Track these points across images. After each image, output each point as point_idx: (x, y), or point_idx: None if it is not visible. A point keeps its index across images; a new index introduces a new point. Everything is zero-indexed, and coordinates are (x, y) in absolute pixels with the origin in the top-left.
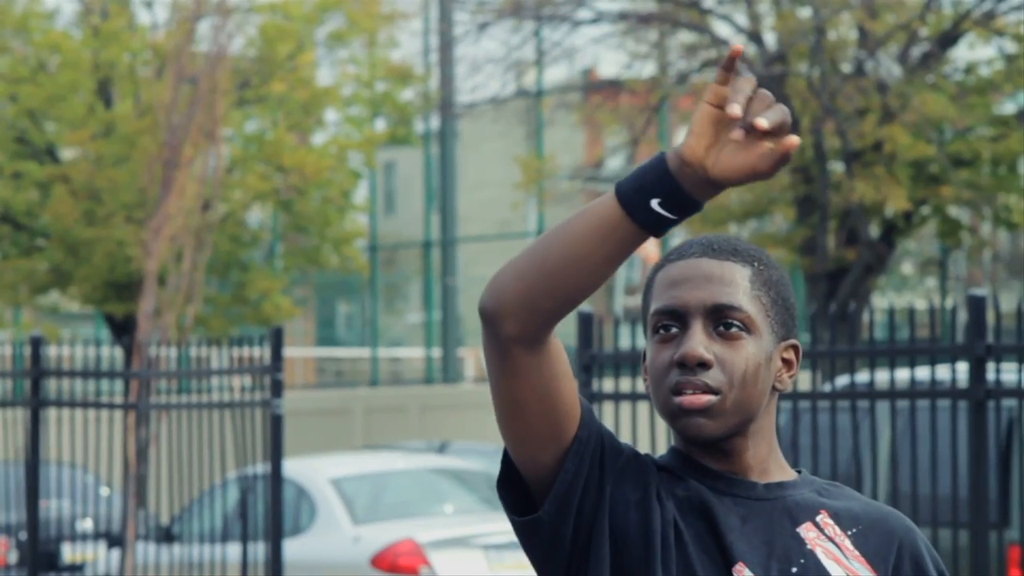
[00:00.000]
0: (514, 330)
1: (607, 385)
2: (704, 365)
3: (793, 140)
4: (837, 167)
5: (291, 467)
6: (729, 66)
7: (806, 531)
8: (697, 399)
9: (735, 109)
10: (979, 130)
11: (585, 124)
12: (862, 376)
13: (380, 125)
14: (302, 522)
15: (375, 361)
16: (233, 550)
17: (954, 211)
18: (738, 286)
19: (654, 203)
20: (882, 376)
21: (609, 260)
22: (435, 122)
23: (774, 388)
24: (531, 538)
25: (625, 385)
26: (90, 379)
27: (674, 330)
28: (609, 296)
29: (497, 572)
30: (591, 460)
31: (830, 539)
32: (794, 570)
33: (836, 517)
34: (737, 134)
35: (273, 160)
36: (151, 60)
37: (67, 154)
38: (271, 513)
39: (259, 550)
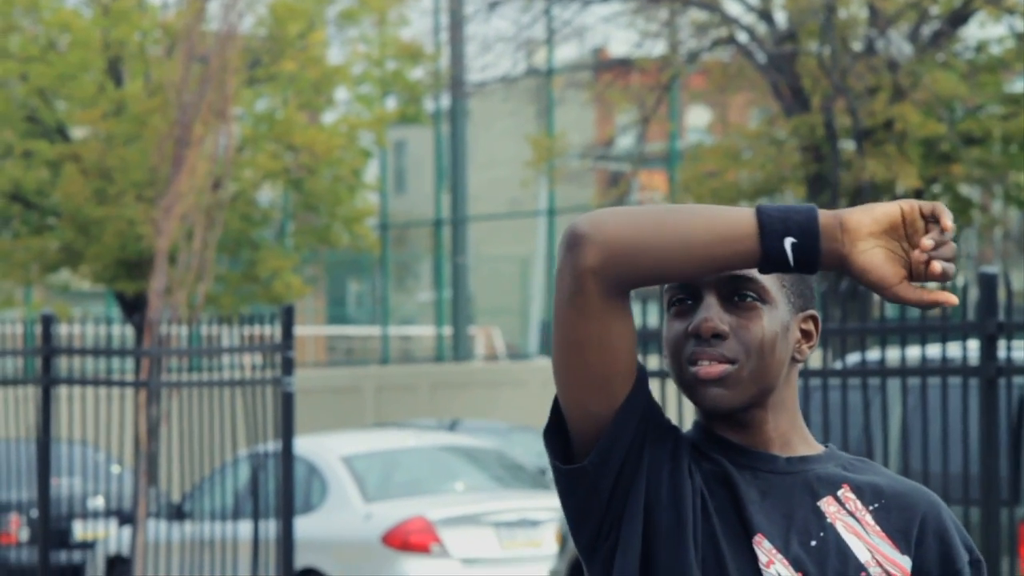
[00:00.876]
0: (595, 260)
1: None
2: (719, 336)
3: (950, 299)
4: (848, 145)
5: (302, 445)
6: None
7: (826, 505)
8: (713, 369)
9: (928, 243)
10: (990, 108)
11: (596, 103)
12: (873, 354)
13: (391, 104)
14: (313, 500)
15: (386, 339)
16: (244, 528)
17: (965, 189)
18: None
19: (788, 240)
20: (893, 354)
21: (707, 261)
22: (445, 101)
23: (793, 359)
24: (571, 488)
25: None
26: (101, 357)
27: (689, 302)
28: None
29: (508, 549)
30: (638, 424)
31: (851, 513)
32: (813, 543)
33: (858, 491)
34: (923, 256)
35: (284, 139)
36: (161, 39)
37: (77, 133)
38: (282, 491)
39: (270, 528)
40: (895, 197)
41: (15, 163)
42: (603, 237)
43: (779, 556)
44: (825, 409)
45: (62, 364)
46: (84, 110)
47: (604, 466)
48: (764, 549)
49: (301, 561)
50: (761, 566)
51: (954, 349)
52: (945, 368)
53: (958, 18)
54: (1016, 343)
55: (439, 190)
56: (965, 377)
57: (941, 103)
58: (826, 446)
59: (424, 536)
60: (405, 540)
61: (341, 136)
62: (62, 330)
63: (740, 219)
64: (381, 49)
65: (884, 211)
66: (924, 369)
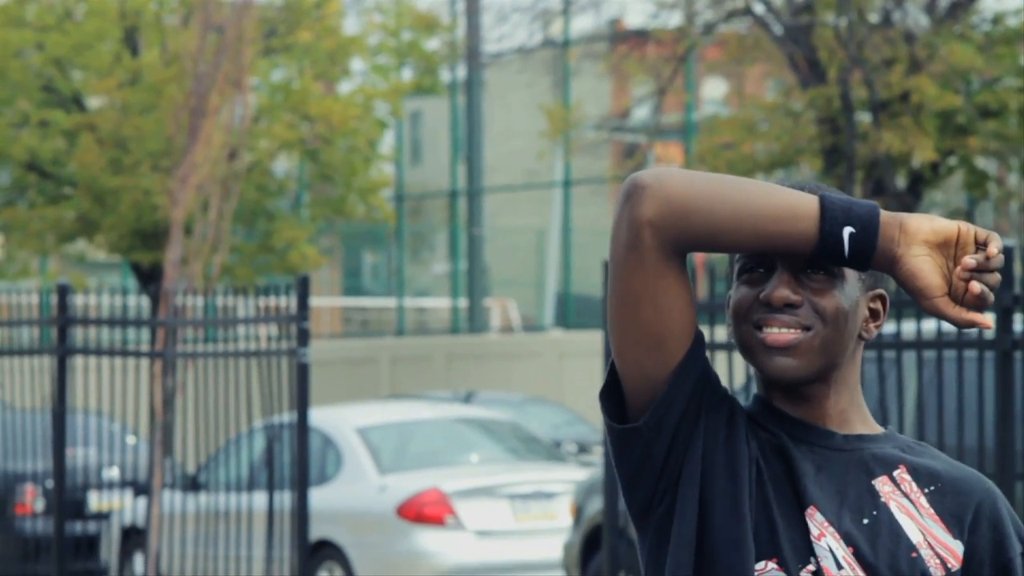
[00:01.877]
0: (653, 212)
1: None
2: (792, 305)
3: (987, 323)
4: (864, 118)
5: (317, 416)
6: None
7: (881, 484)
8: (782, 336)
9: (970, 261)
10: (1006, 81)
11: (612, 74)
12: (888, 327)
13: (406, 75)
14: (328, 471)
15: (401, 311)
16: (259, 499)
17: (981, 162)
18: None
19: (847, 229)
20: (908, 327)
21: (763, 234)
22: (461, 72)
23: (860, 337)
24: (625, 449)
25: None
26: (117, 327)
27: (761, 271)
28: None
29: (523, 522)
30: (694, 386)
31: (905, 495)
32: (865, 521)
33: (914, 473)
34: (964, 275)
35: (299, 109)
36: (177, 8)
37: (93, 103)
38: (297, 462)
39: (285, 499)
40: (911, 170)
41: (31, 132)
42: (663, 190)
43: (831, 530)
44: None
45: (78, 334)
46: (100, 80)
47: (658, 428)
48: (816, 522)
49: (316, 533)
50: (812, 538)
51: None
52: (960, 341)
53: None
54: None
55: (455, 161)
56: (981, 350)
57: (957, 75)
58: (885, 428)
59: (439, 508)
60: (420, 512)
61: (357, 106)
62: (78, 300)
63: (803, 199)
64: (397, 19)
65: (943, 224)
66: (940, 342)
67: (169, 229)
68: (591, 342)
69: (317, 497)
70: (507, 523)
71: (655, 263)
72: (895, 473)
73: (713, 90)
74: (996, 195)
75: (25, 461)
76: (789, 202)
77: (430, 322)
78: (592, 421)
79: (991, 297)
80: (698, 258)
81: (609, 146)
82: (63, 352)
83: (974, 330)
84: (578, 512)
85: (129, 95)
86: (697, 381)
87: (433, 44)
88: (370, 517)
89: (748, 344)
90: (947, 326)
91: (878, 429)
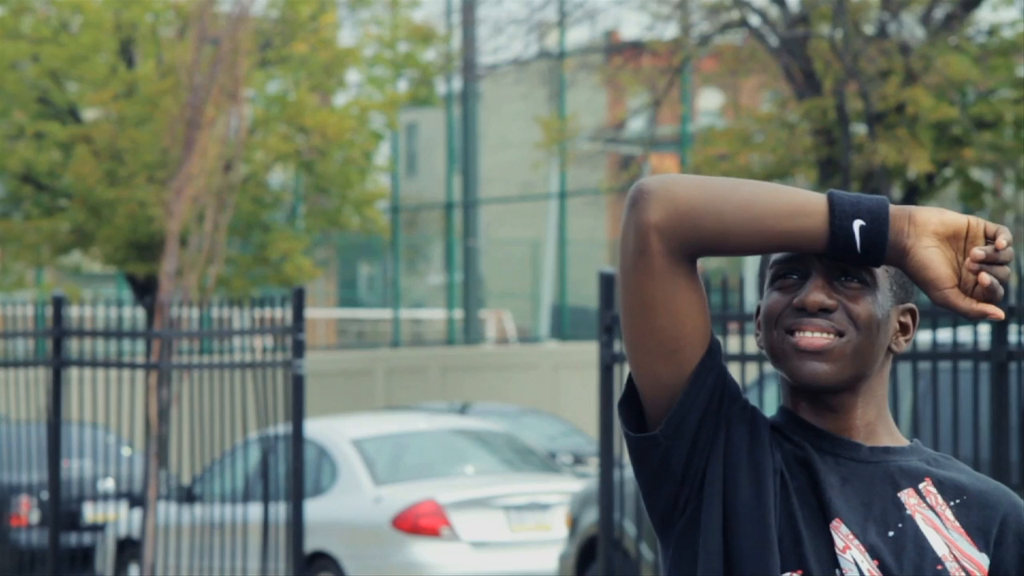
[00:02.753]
0: (658, 216)
1: None
2: (826, 310)
3: (998, 313)
4: (859, 129)
5: (313, 428)
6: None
7: (907, 497)
8: (816, 339)
9: (979, 252)
10: (1002, 92)
11: (607, 85)
12: None
13: (402, 86)
14: (323, 483)
15: (396, 322)
16: (254, 510)
17: (977, 173)
18: None
19: (857, 222)
20: None
21: (771, 232)
22: (457, 83)
23: (889, 350)
24: (644, 458)
25: None
26: (112, 339)
27: (795, 278)
28: None
29: (518, 533)
30: (711, 393)
31: (931, 507)
32: (891, 534)
33: (940, 486)
34: (973, 266)
35: (295, 121)
36: (173, 20)
37: (89, 114)
38: (292, 473)
39: (280, 510)
40: (907, 181)
41: (27, 144)
42: (668, 194)
43: (856, 542)
44: None
45: (73, 346)
46: (96, 91)
47: (676, 436)
48: (841, 534)
49: (311, 544)
50: (837, 551)
51: (965, 333)
52: (956, 352)
53: (970, 1)
54: None
55: (450, 173)
56: (976, 361)
57: (953, 87)
58: (911, 441)
59: (434, 519)
60: (415, 523)
61: (352, 118)
62: (73, 312)
63: (811, 196)
64: (393, 31)
65: (952, 217)
66: (935, 353)
67: (164, 241)
68: (586, 353)
69: (312, 509)
70: (502, 534)
71: (664, 268)
72: (921, 486)
73: (708, 102)
74: (992, 206)
75: (20, 473)
76: (797, 199)
77: (426, 334)
78: (588, 432)
79: (1001, 290)
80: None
81: (604, 157)
82: (58, 364)
83: (969, 341)
84: (573, 523)
85: (125, 107)
86: (714, 389)
87: (429, 55)
88: (365, 528)
89: (780, 349)
90: (943, 337)
91: (904, 441)
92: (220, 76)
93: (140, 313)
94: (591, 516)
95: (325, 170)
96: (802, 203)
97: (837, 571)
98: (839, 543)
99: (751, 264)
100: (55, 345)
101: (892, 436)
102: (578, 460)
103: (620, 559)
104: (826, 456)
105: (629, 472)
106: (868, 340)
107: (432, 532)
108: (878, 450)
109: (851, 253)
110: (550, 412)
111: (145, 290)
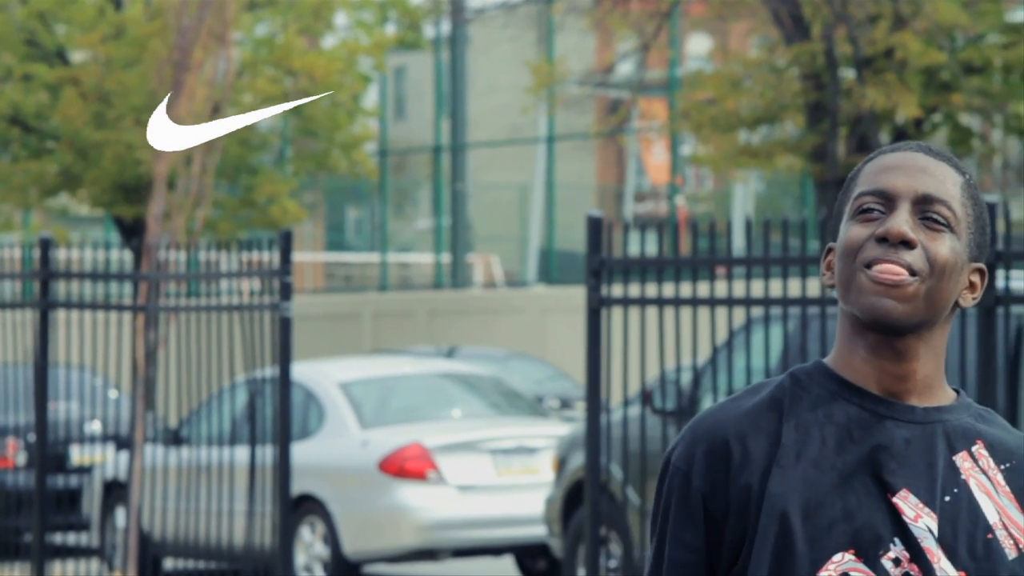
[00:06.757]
0: None
1: (616, 290)
2: (907, 244)
3: None
4: (848, 74)
5: (300, 371)
6: None
7: (962, 460)
8: (894, 272)
9: None
10: (990, 37)
11: (596, 29)
12: None
13: (390, 29)
14: (310, 426)
15: (384, 266)
16: (241, 453)
17: (965, 118)
18: (950, 186)
19: None
20: None
21: None
22: (445, 27)
23: (956, 304)
24: None
25: (634, 290)
26: (99, 281)
27: (877, 212)
28: (619, 202)
29: (504, 477)
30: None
31: (983, 471)
32: (947, 499)
33: (991, 449)
34: None
35: (283, 64)
36: None
37: (77, 57)
38: (279, 417)
39: (267, 453)
40: (895, 126)
41: (14, 86)
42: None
43: (926, 510)
44: (823, 339)
45: (60, 288)
46: (84, 34)
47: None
48: (911, 504)
49: (297, 487)
50: (908, 520)
51: None
52: None
53: None
54: (1014, 272)
55: (438, 116)
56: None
57: (942, 32)
58: (957, 392)
59: (420, 463)
60: (401, 467)
61: (340, 61)
62: (60, 254)
63: None
64: None
65: None
66: None
67: (152, 183)
68: (574, 297)
69: (299, 452)
70: (489, 478)
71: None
72: (974, 448)
73: (697, 46)
74: (980, 152)
75: (7, 415)
76: None
77: (413, 277)
78: (575, 376)
79: None
80: (681, 214)
81: (593, 101)
82: (45, 306)
83: None
84: (560, 467)
85: (112, 49)
86: (711, 524)
87: None
88: (352, 472)
89: (854, 282)
90: None
91: (952, 395)
92: (208, 18)
93: (127, 255)
94: (578, 460)
95: (313, 113)
96: None
97: (891, 546)
98: (909, 512)
99: (738, 209)
100: (42, 287)
101: (944, 391)
102: (565, 404)
103: (606, 503)
104: (885, 420)
105: (615, 416)
106: (942, 285)
107: (419, 476)
108: (931, 410)
109: None
110: (537, 356)
111: (132, 232)
